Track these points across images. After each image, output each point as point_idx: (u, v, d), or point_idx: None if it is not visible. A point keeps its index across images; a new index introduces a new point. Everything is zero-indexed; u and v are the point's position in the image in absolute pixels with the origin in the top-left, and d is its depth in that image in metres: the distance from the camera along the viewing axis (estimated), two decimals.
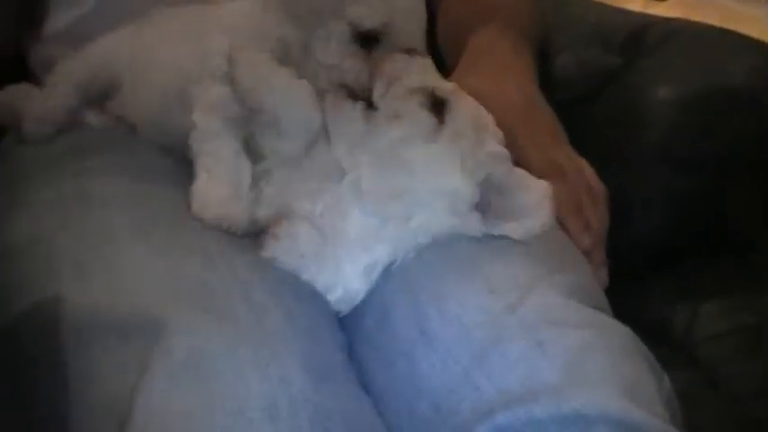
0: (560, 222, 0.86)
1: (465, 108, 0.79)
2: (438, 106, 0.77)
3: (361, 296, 0.76)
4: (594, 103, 1.16)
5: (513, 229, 0.76)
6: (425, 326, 0.71)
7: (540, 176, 0.82)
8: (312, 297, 0.74)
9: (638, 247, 1.07)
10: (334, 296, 0.76)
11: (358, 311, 0.77)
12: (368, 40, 0.81)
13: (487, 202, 0.77)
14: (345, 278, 0.76)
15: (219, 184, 0.77)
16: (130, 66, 0.89)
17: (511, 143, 0.81)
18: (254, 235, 0.77)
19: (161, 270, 0.68)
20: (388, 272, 0.77)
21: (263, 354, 0.62)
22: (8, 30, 1.07)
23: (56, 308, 0.66)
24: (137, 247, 0.70)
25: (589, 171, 0.92)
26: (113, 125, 0.91)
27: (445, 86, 0.80)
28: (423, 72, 0.80)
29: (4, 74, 1.07)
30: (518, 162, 0.82)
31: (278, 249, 0.74)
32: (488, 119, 0.80)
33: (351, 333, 0.77)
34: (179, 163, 0.84)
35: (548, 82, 1.18)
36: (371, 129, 0.77)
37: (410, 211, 0.76)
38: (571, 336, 0.66)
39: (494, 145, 0.78)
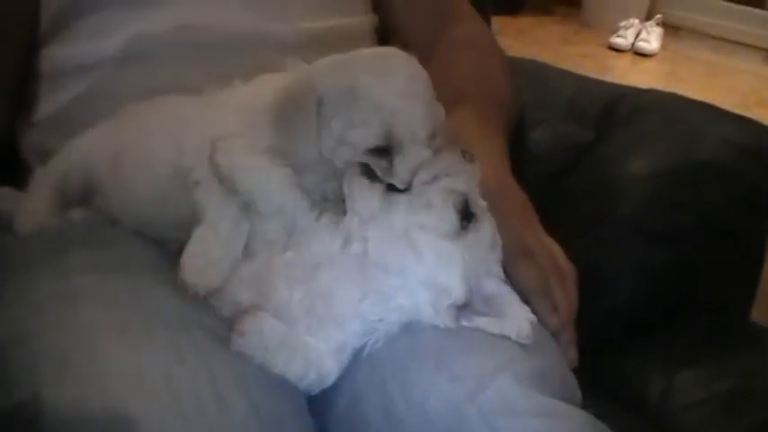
0: (528, 304, 0.88)
1: (489, 226, 0.83)
2: (467, 215, 0.81)
3: (333, 378, 0.79)
4: (569, 176, 1.20)
5: (486, 323, 0.80)
6: (391, 411, 0.75)
7: (510, 259, 0.85)
8: (280, 387, 0.77)
9: (613, 318, 1.10)
10: (306, 381, 0.79)
11: (329, 396, 0.80)
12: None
13: (470, 303, 0.81)
14: (317, 361, 0.79)
15: (208, 254, 0.82)
16: (112, 163, 0.92)
17: None
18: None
19: (135, 368, 0.71)
20: (358, 359, 0.80)
21: None
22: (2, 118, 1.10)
23: (36, 406, 0.70)
24: (114, 344, 0.73)
25: (558, 252, 0.95)
26: (96, 219, 0.94)
27: (480, 201, 0.84)
28: (468, 179, 0.84)
29: None
30: None
31: (244, 345, 0.77)
32: (500, 242, 0.85)
33: (322, 417, 0.80)
34: (159, 252, 0.88)
35: (523, 156, 1.22)
36: (388, 208, 0.81)
37: (396, 291, 0.80)
38: (527, 425, 0.69)
39: (498, 267, 0.84)
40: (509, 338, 0.79)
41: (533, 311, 0.87)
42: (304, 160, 0.83)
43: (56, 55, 1.07)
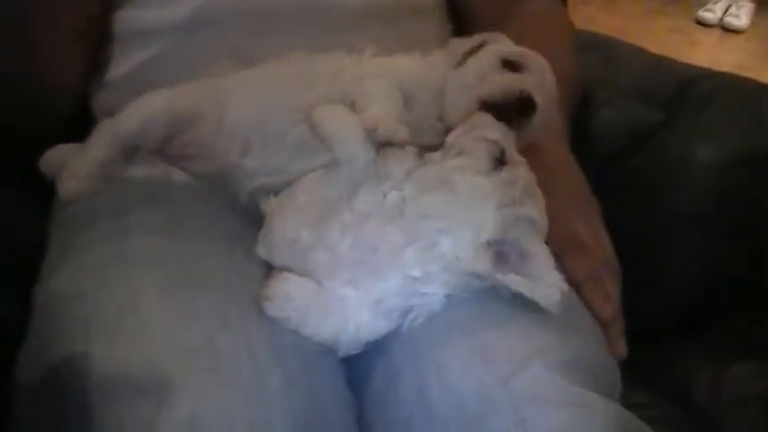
0: (578, 291, 0.88)
1: (523, 171, 0.84)
2: (502, 161, 0.82)
3: (369, 335, 0.80)
4: (633, 158, 1.18)
5: (519, 282, 0.78)
6: (426, 394, 0.75)
7: (560, 248, 0.85)
8: (318, 362, 0.79)
9: (666, 307, 1.09)
10: (344, 337, 0.80)
11: (367, 372, 0.81)
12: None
13: (507, 258, 0.80)
14: (356, 314, 0.80)
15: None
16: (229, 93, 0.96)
17: None
18: None
19: (179, 332, 0.74)
20: (396, 335, 0.80)
21: (257, 416, 0.69)
22: (75, 76, 1.12)
23: (84, 363, 0.73)
24: (161, 309, 0.76)
25: (609, 248, 0.94)
26: (157, 177, 0.96)
27: (515, 155, 0.85)
28: (505, 138, 0.85)
29: (70, 121, 1.15)
30: None
31: (273, 309, 0.79)
32: (539, 192, 0.84)
33: (360, 393, 0.81)
34: (217, 212, 0.90)
35: (587, 134, 1.21)
36: (423, 164, 0.83)
37: (437, 236, 0.80)
38: (553, 415, 0.69)
39: (534, 210, 0.82)
40: (540, 311, 0.78)
41: (585, 300, 0.88)
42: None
43: (128, 18, 1.09)
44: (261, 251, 0.87)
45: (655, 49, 1.39)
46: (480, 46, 0.95)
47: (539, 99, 0.90)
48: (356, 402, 0.81)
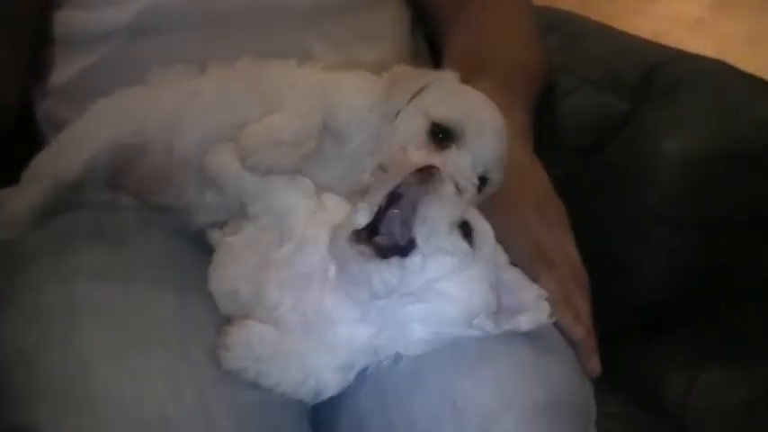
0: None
1: (483, 226, 0.79)
2: (467, 232, 0.77)
3: (332, 391, 0.77)
4: (600, 152, 1.15)
5: (523, 322, 0.77)
6: None
7: (527, 265, 0.83)
8: (280, 417, 0.76)
9: (635, 306, 1.07)
10: (304, 391, 0.77)
11: (332, 415, 0.79)
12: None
13: (499, 303, 0.78)
14: (316, 371, 0.76)
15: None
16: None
17: (495, 226, 0.80)
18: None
19: (130, 403, 0.70)
20: (362, 378, 0.78)
21: None
22: (15, 83, 1.08)
23: None
24: (110, 375, 0.73)
25: (574, 255, 0.92)
26: (106, 207, 0.92)
27: (473, 213, 0.80)
28: (454, 204, 0.77)
29: (12, 132, 1.10)
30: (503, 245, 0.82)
31: (232, 359, 0.75)
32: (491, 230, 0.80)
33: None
34: (172, 245, 0.87)
35: (552, 126, 1.17)
36: (407, 273, 0.74)
37: (426, 330, 0.76)
38: None
39: (502, 254, 0.81)
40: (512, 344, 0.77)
41: (555, 322, 0.85)
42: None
43: (69, 20, 1.05)
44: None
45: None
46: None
47: (473, 179, 0.83)
48: None
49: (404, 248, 0.73)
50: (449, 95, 0.86)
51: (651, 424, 0.97)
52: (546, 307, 0.78)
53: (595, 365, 0.88)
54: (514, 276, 0.80)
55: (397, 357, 0.77)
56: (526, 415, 0.72)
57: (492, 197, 0.86)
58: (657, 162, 1.08)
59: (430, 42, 1.23)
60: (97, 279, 0.81)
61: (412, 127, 0.83)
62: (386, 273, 0.72)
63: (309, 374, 0.76)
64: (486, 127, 0.84)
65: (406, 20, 1.19)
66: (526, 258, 0.85)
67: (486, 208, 0.83)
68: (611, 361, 0.90)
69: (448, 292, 0.75)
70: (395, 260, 0.72)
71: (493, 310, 0.77)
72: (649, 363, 1.05)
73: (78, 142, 0.90)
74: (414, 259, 0.73)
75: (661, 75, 1.17)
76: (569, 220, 0.96)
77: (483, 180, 0.83)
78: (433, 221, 0.74)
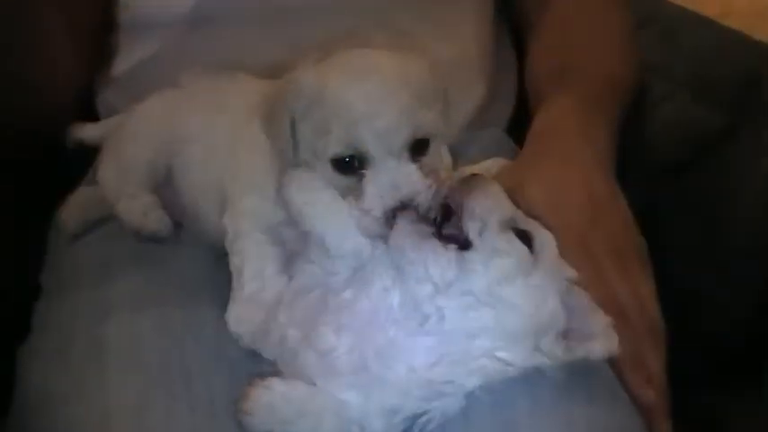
0: (619, 377, 0.80)
1: (545, 234, 0.75)
2: (522, 236, 0.73)
3: None
4: (688, 174, 1.05)
5: (596, 348, 0.72)
6: None
7: None
8: None
9: (713, 348, 0.98)
10: None
11: None
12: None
13: (567, 326, 0.73)
14: (362, 419, 0.72)
15: (250, 299, 0.78)
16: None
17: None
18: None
19: None
20: None
21: None
22: (74, 69, 1.07)
23: None
24: None
25: (652, 309, 0.84)
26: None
27: (522, 215, 0.76)
28: (501, 201, 0.75)
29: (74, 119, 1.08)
30: None
31: (257, 425, 0.71)
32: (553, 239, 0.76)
33: None
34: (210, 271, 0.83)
35: (638, 143, 1.08)
36: (465, 269, 0.71)
37: (489, 350, 0.71)
38: None
39: (569, 269, 0.75)
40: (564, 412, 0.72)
41: (623, 383, 0.80)
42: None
43: (133, 5, 1.04)
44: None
45: None
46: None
47: None
48: None
49: (462, 244, 0.71)
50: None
51: None
52: (615, 337, 0.72)
53: (665, 430, 0.81)
54: (582, 300, 0.74)
55: (444, 417, 0.72)
56: None
57: (565, 236, 0.79)
58: (754, 187, 0.98)
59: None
60: (131, 315, 0.79)
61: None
62: (443, 258, 0.70)
63: (352, 422, 0.71)
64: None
65: (488, 7, 1.11)
66: None
67: (561, 250, 0.77)
68: (678, 405, 0.83)
69: (511, 299, 0.70)
70: (452, 248, 0.70)
71: (561, 328, 0.72)
72: (722, 412, 0.97)
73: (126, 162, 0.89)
74: (472, 255, 0.70)
75: (764, 82, 1.06)
76: (648, 255, 0.88)
77: (423, 142, 0.75)
78: (482, 215, 0.71)
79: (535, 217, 0.79)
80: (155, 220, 0.86)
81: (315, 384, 0.72)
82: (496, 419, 0.72)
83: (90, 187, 0.96)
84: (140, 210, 0.86)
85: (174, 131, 0.88)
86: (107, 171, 0.90)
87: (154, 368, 0.74)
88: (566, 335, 0.72)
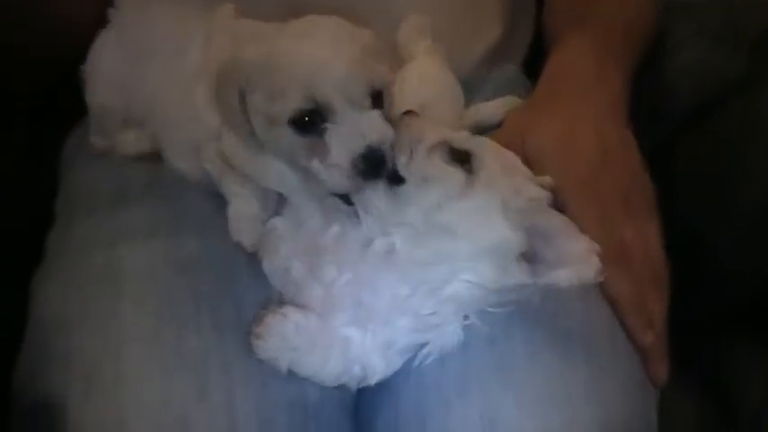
0: (618, 314, 0.81)
1: (491, 154, 0.74)
2: (463, 158, 0.72)
3: (378, 376, 0.74)
4: (708, 121, 1.03)
5: (564, 276, 0.69)
6: None
7: (602, 261, 0.75)
8: (313, 415, 0.74)
9: (723, 300, 0.98)
10: (347, 378, 0.74)
11: (372, 414, 0.76)
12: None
13: (534, 251, 0.71)
14: (362, 356, 0.73)
15: (250, 204, 0.80)
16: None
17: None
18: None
19: (154, 399, 0.69)
20: (406, 372, 0.74)
21: None
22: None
23: (62, 415, 0.69)
24: (141, 362, 0.71)
25: (657, 253, 0.84)
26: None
27: (462, 137, 0.75)
28: (436, 127, 0.75)
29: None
30: None
31: (267, 350, 0.72)
32: (516, 160, 0.75)
33: (367, 425, 0.77)
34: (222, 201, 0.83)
35: (655, 88, 1.06)
36: (399, 202, 0.72)
37: (452, 275, 0.71)
38: None
39: (532, 189, 0.73)
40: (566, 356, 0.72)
41: (624, 326, 0.80)
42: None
43: None
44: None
45: None
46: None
47: None
48: None
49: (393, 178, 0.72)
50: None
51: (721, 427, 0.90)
52: (595, 263, 0.69)
53: (662, 372, 0.82)
54: (559, 223, 0.71)
55: (443, 351, 0.73)
56: None
57: (573, 180, 0.80)
58: None
59: None
60: (144, 242, 0.80)
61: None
62: (375, 195, 0.72)
63: (354, 360, 0.73)
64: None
65: None
66: (604, 255, 0.75)
67: (567, 194, 0.78)
68: (685, 354, 0.83)
69: (449, 225, 0.70)
70: (382, 183, 0.72)
71: (520, 250, 0.70)
72: (728, 360, 0.97)
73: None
74: (405, 187, 0.71)
75: None
76: (657, 202, 0.88)
77: (379, 94, 0.74)
78: (409, 146, 0.72)
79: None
80: (145, 143, 0.89)
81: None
82: (494, 354, 0.73)
83: None
84: (132, 139, 0.90)
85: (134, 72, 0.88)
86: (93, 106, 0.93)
87: (166, 294, 0.75)
88: (533, 258, 0.70)
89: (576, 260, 0.69)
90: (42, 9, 0.97)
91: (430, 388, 0.73)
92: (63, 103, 0.98)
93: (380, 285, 0.73)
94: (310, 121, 0.71)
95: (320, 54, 0.71)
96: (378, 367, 0.73)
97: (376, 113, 0.72)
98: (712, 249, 0.98)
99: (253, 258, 0.80)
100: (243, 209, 0.80)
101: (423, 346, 0.74)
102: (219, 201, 0.84)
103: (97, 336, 0.73)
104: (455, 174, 0.71)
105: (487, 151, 0.73)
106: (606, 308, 0.80)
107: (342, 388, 0.75)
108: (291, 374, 0.73)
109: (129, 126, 0.90)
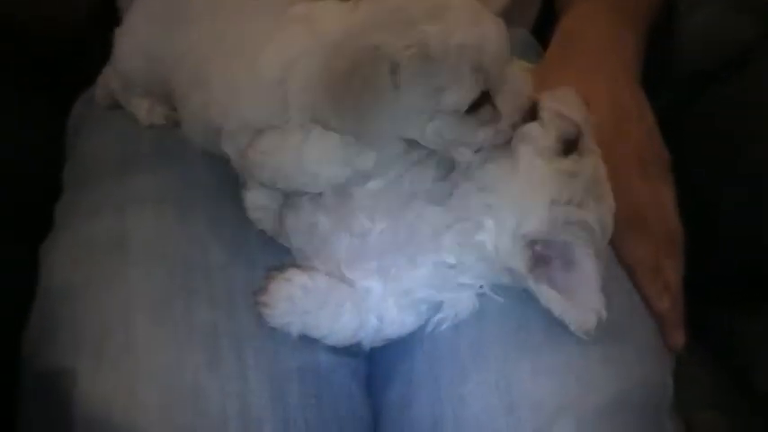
0: (633, 278, 0.80)
1: (593, 164, 0.72)
2: (572, 147, 0.71)
3: (392, 329, 0.72)
4: (717, 85, 1.02)
5: (550, 298, 0.69)
6: (439, 426, 0.69)
7: (619, 225, 0.74)
8: (327, 381, 0.73)
9: (739, 267, 0.97)
10: (367, 332, 0.72)
11: (385, 381, 0.75)
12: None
13: (549, 261, 0.70)
14: (378, 305, 0.72)
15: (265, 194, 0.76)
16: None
17: None
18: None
19: (165, 367, 0.68)
20: (419, 339, 0.73)
21: None
22: None
23: (71, 386, 0.68)
24: (151, 330, 0.70)
25: (673, 219, 0.84)
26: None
27: (590, 144, 0.73)
28: (585, 123, 0.73)
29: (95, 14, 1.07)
30: None
31: (277, 317, 0.71)
32: (607, 190, 0.73)
33: (378, 400, 0.76)
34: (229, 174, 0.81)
35: (669, 49, 1.05)
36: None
37: (482, 216, 0.71)
38: None
39: (593, 215, 0.71)
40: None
41: (639, 289, 0.80)
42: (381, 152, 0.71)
43: None
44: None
45: None
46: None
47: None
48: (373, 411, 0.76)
49: None
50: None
51: (736, 404, 0.89)
52: (591, 320, 0.68)
53: (678, 339, 0.81)
54: (588, 268, 0.70)
55: (457, 319, 0.72)
56: (587, 418, 0.67)
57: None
58: None
59: None
60: (154, 208, 0.78)
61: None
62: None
63: (371, 310, 0.72)
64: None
65: None
66: (620, 219, 0.75)
67: None
68: (702, 321, 0.82)
69: (518, 157, 0.70)
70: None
71: (538, 232, 0.69)
72: (744, 333, 0.96)
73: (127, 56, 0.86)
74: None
75: None
76: (671, 167, 0.87)
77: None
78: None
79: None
80: (160, 115, 0.87)
81: (341, 271, 0.72)
82: (510, 321, 0.72)
83: None
84: (146, 107, 0.88)
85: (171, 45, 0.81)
86: (112, 79, 0.91)
87: (175, 262, 0.74)
88: (541, 263, 0.70)
89: (578, 306, 0.69)
90: None
91: (444, 355, 0.72)
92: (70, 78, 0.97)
93: (421, 223, 0.72)
94: (479, 99, 0.67)
95: (479, 32, 0.66)
96: (394, 317, 0.72)
97: (517, 67, 0.70)
98: (723, 214, 0.97)
99: None
100: (259, 199, 0.77)
101: (437, 308, 0.73)
102: (229, 168, 0.83)
103: (105, 304, 0.72)
104: (554, 140, 0.70)
105: (595, 159, 0.72)
106: (622, 273, 0.80)
107: (354, 354, 0.75)
108: (303, 341, 0.72)
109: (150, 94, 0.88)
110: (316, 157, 0.69)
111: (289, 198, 0.76)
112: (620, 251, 0.80)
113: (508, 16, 1.03)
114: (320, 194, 0.74)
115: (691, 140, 0.99)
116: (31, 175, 0.98)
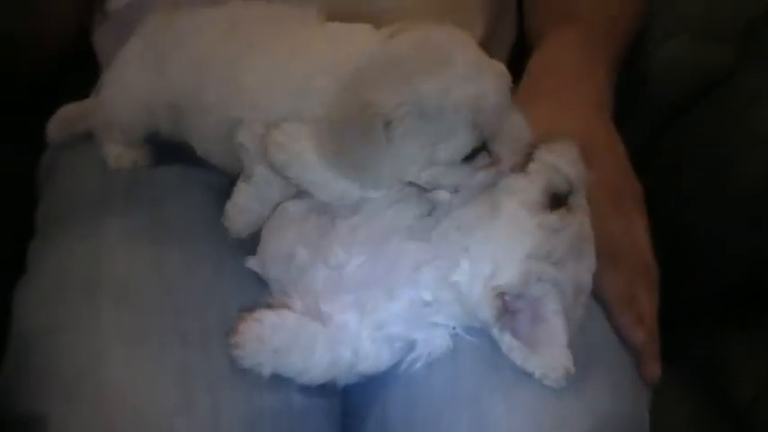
0: (607, 311, 0.80)
1: (579, 222, 0.72)
2: (560, 202, 0.71)
3: (367, 363, 0.72)
4: (689, 114, 1.03)
5: (513, 348, 0.69)
6: None
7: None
8: (301, 421, 0.73)
9: (712, 290, 0.98)
10: (340, 367, 0.72)
11: (360, 421, 0.75)
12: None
13: (516, 313, 0.70)
14: (354, 340, 0.72)
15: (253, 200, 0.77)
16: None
17: None
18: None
19: (139, 413, 0.67)
20: (393, 379, 0.73)
21: None
22: (73, 11, 1.06)
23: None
24: (123, 372, 0.70)
25: (647, 251, 0.84)
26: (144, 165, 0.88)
27: (580, 200, 0.73)
28: (578, 177, 0.73)
29: (69, 57, 1.08)
30: None
31: (248, 357, 0.71)
32: (590, 249, 0.73)
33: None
34: (214, 206, 0.81)
35: (638, 82, 1.06)
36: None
37: (458, 256, 0.70)
38: None
39: (568, 275, 0.71)
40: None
41: (613, 323, 0.80)
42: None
43: None
44: (253, 264, 0.79)
45: None
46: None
47: None
48: None
49: None
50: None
51: (716, 421, 0.89)
52: (558, 372, 0.69)
53: (655, 371, 0.81)
54: (557, 328, 0.70)
55: (431, 358, 0.72)
56: None
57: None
58: (756, 131, 0.96)
59: None
60: (127, 248, 0.78)
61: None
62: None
63: (346, 344, 0.71)
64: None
65: None
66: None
67: None
68: (680, 347, 0.82)
69: (499, 206, 0.71)
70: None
71: (509, 285, 0.69)
72: (720, 351, 0.96)
73: (117, 104, 0.86)
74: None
75: None
76: (644, 196, 0.88)
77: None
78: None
79: None
80: (128, 161, 0.88)
81: (317, 305, 0.73)
82: (482, 358, 0.71)
83: (79, 102, 0.94)
84: (116, 153, 0.88)
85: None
86: (101, 116, 0.90)
87: (148, 304, 0.74)
88: (509, 318, 0.70)
89: (545, 360, 0.69)
90: (28, 23, 0.98)
91: (418, 394, 0.72)
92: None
93: (398, 257, 0.72)
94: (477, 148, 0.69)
95: (477, 88, 0.67)
96: (368, 351, 0.72)
97: (516, 111, 0.71)
98: (701, 239, 0.98)
99: (238, 264, 0.79)
100: (245, 202, 0.78)
101: (411, 347, 0.73)
102: (203, 207, 0.83)
103: (77, 346, 0.71)
104: (540, 193, 0.70)
105: (581, 218, 0.72)
106: (596, 305, 0.80)
107: (328, 395, 0.75)
108: (277, 382, 0.71)
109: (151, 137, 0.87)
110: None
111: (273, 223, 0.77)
112: (593, 284, 0.80)
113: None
114: (304, 223, 0.75)
115: (663, 170, 1.00)
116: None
